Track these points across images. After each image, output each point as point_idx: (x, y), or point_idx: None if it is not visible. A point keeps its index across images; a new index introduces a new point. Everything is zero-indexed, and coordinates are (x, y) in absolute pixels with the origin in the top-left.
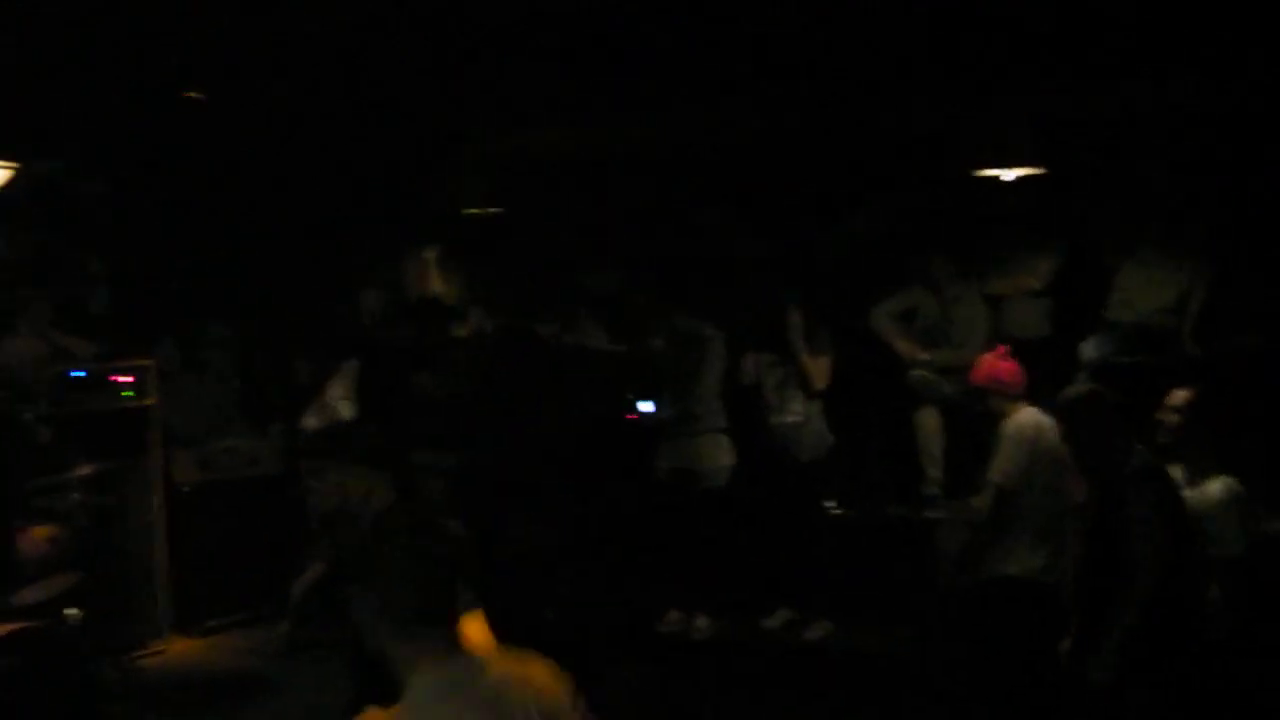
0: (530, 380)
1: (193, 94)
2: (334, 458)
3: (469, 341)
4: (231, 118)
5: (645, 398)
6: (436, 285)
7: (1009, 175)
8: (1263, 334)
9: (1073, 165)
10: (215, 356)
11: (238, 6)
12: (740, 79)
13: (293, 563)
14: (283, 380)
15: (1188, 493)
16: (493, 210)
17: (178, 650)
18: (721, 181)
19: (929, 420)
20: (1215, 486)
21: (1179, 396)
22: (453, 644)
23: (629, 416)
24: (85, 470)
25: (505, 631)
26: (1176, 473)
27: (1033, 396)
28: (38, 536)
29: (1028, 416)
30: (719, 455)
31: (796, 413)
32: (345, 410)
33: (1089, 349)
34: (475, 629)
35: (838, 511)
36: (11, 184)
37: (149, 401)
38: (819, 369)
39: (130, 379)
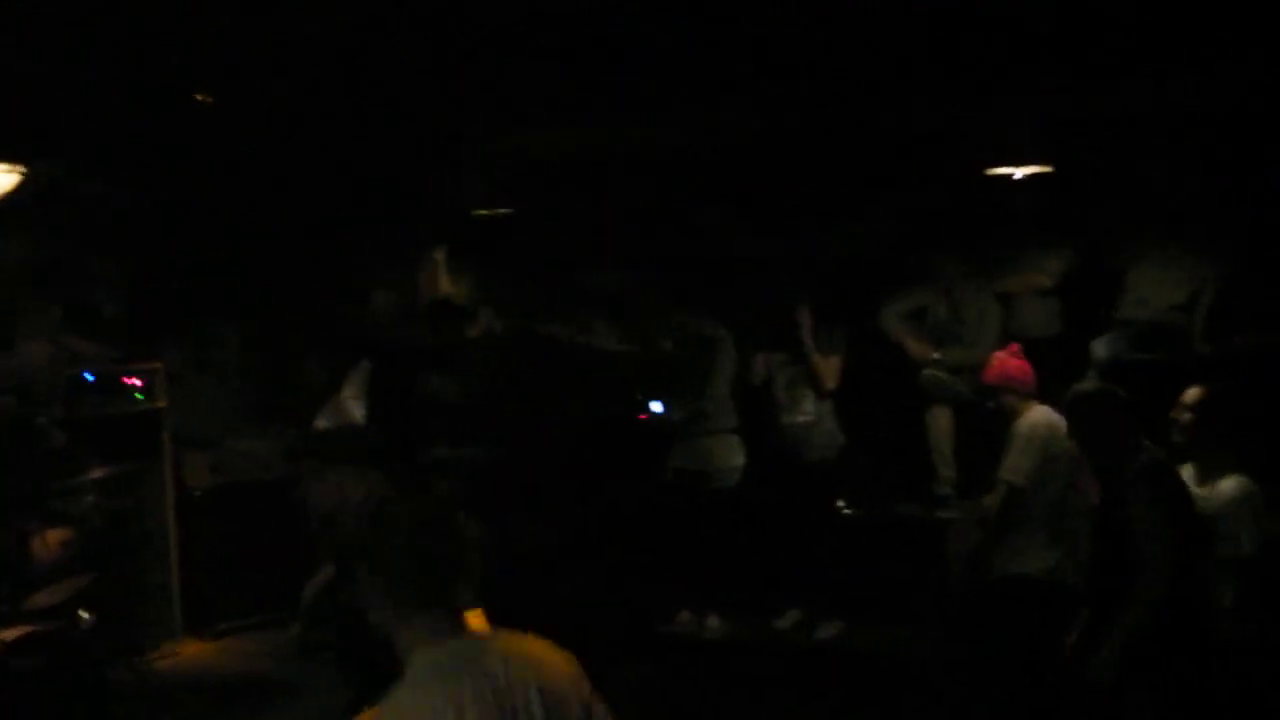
0: (539, 381)
1: (201, 96)
2: (333, 458)
3: (478, 342)
4: (239, 120)
5: (656, 398)
6: (445, 286)
7: (1019, 174)
8: (1274, 332)
9: (1083, 163)
10: (224, 359)
11: (243, 7)
12: (748, 79)
13: (304, 565)
14: (292, 382)
15: (1201, 491)
16: (501, 211)
17: (190, 653)
18: (731, 182)
19: (940, 419)
20: (1228, 485)
21: (1191, 395)
22: (454, 626)
23: (640, 417)
24: (98, 473)
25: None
26: (1190, 471)
27: (1044, 395)
28: (51, 540)
29: (1040, 415)
30: (730, 455)
31: (807, 412)
32: (356, 411)
33: (1100, 347)
34: (477, 625)
35: (848, 511)
36: (20, 188)
37: (160, 404)
38: (829, 369)
39: (141, 382)
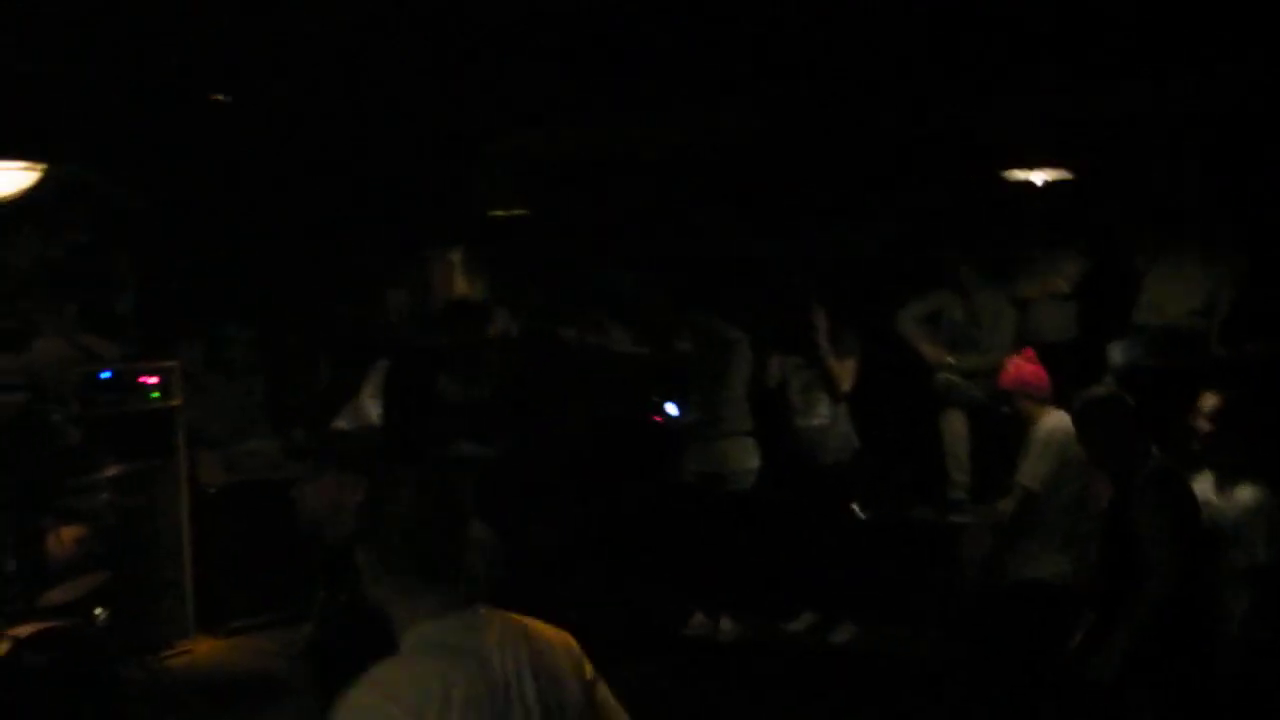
0: (553, 382)
1: (219, 96)
2: (330, 459)
3: (494, 343)
4: (257, 120)
5: (671, 400)
6: (461, 287)
7: (1037, 178)
8: None
9: (1100, 168)
10: (240, 358)
11: (263, 9)
12: (765, 81)
13: (317, 564)
14: (307, 382)
15: (1218, 500)
16: (517, 212)
17: (203, 651)
18: (747, 184)
19: (955, 424)
20: (1245, 494)
21: (1209, 402)
22: (451, 603)
23: (654, 419)
24: (112, 471)
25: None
26: (1208, 479)
27: (1060, 400)
28: (66, 537)
29: (1057, 420)
30: (745, 458)
31: (822, 415)
32: (374, 411)
33: (1116, 353)
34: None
35: (863, 515)
36: (37, 186)
37: (175, 403)
38: (844, 372)
39: (156, 380)
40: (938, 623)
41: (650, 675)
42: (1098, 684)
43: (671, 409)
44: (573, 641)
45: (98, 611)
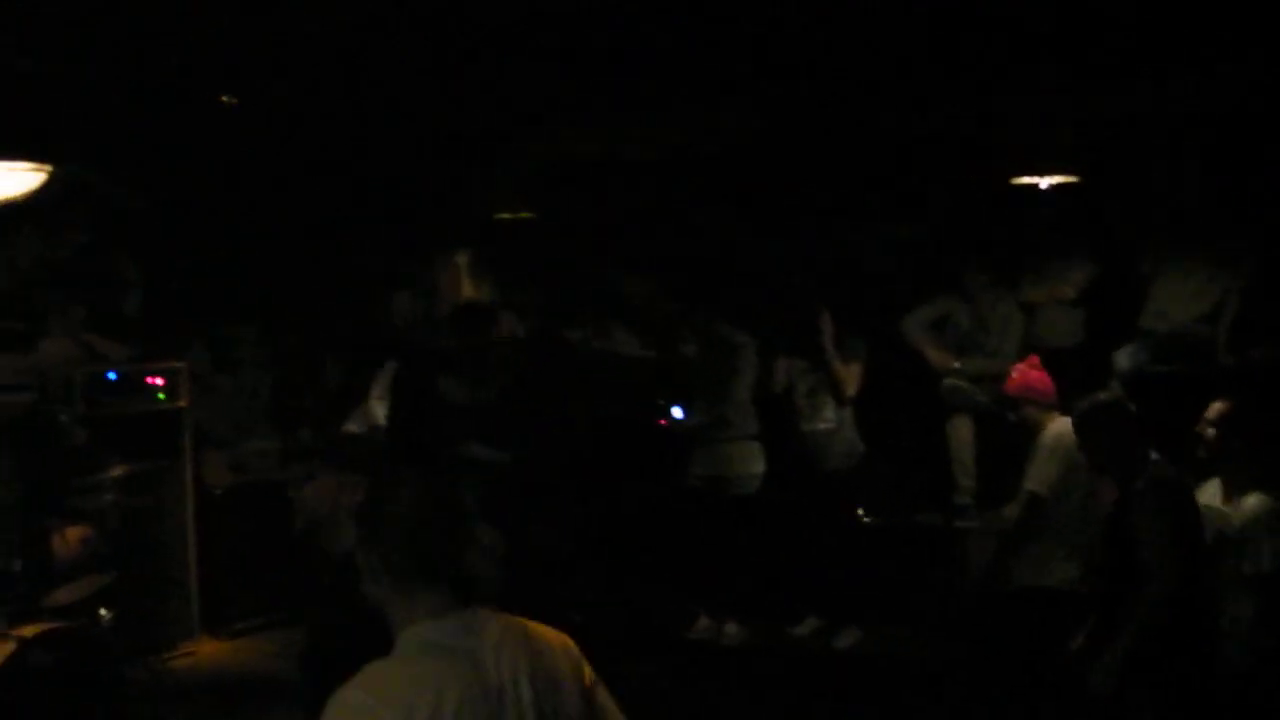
0: (558, 385)
1: (226, 98)
2: (330, 459)
3: (500, 345)
4: (262, 121)
5: (677, 403)
6: (467, 290)
7: (1044, 183)
8: None
9: (1108, 173)
10: (246, 359)
11: (271, 12)
12: (766, 83)
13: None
14: (313, 384)
15: (1225, 507)
16: (523, 214)
17: (207, 651)
18: (753, 188)
19: (961, 429)
20: (1251, 502)
21: (1216, 409)
22: (450, 604)
23: (659, 422)
24: (119, 471)
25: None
26: (1216, 487)
27: (1066, 406)
28: (71, 537)
29: (1064, 426)
30: (750, 462)
31: (828, 420)
32: (381, 413)
33: (1123, 358)
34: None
35: (868, 519)
36: (44, 187)
37: (181, 404)
38: (850, 376)
39: (163, 381)
40: (942, 628)
41: (654, 678)
42: (1098, 691)
43: (677, 412)
44: (573, 645)
45: (102, 612)
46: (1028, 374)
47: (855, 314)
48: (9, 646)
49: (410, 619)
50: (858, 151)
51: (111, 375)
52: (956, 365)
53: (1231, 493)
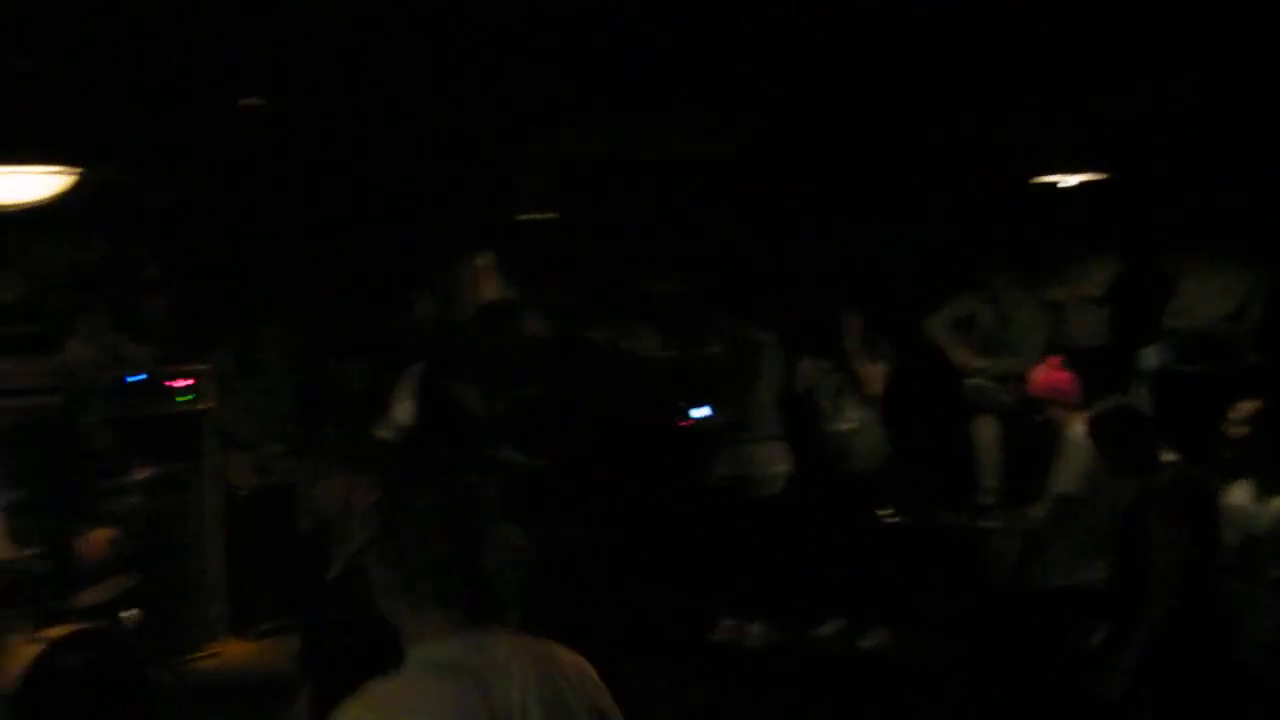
0: (582, 386)
1: (251, 101)
2: (344, 459)
3: (524, 346)
4: (288, 125)
5: (701, 404)
6: (491, 291)
7: (1068, 181)
8: None
9: (1132, 171)
10: (271, 361)
11: (297, 14)
12: (797, 87)
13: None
14: (338, 385)
15: (1254, 508)
16: (547, 215)
17: (232, 653)
18: (778, 188)
19: (985, 429)
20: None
21: (1245, 408)
22: (463, 622)
23: (682, 423)
24: (144, 474)
25: (549, 637)
26: (1245, 488)
27: (1091, 405)
28: (97, 539)
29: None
30: (774, 462)
31: (852, 420)
32: (407, 414)
33: (1148, 357)
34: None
35: (892, 520)
36: (71, 190)
37: (206, 406)
38: (874, 376)
39: (187, 383)
40: (967, 628)
41: (677, 680)
42: (1109, 691)
43: (700, 413)
44: (591, 671)
45: (127, 613)
46: (1051, 374)
47: (879, 314)
48: (37, 648)
49: (421, 636)
50: (881, 152)
51: (136, 378)
52: (981, 365)
53: (1260, 493)
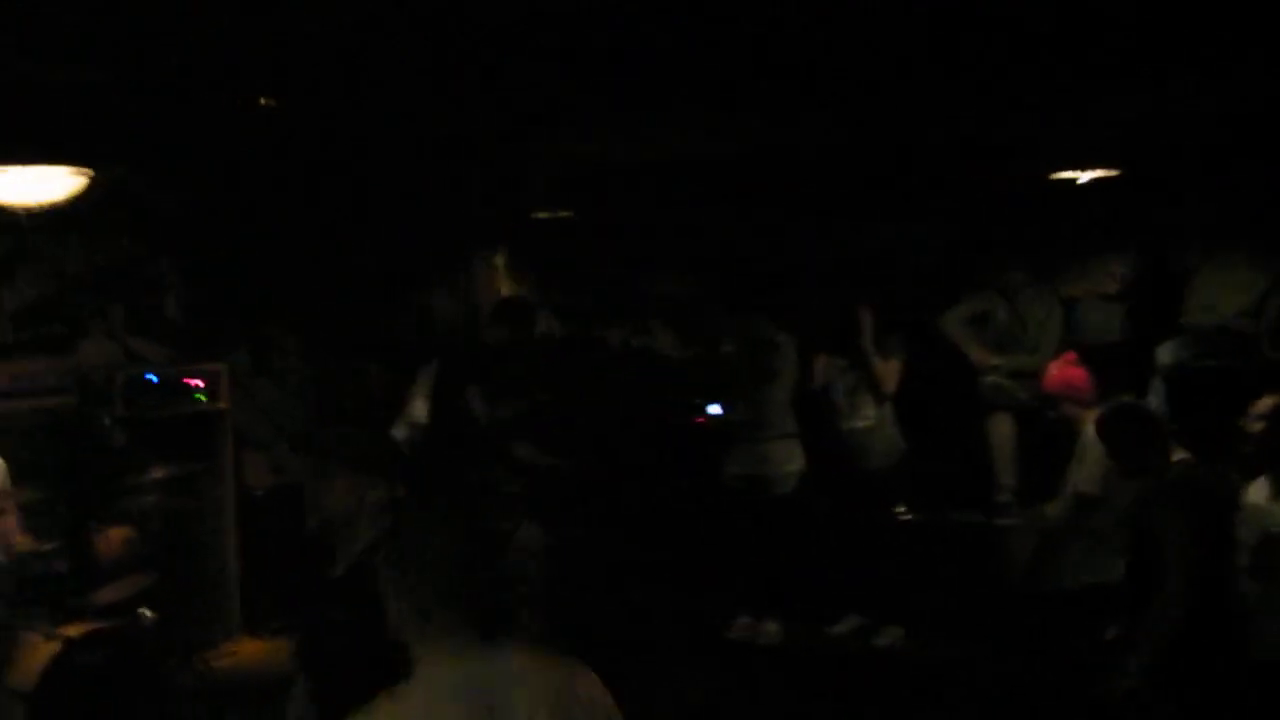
0: (597, 385)
1: (266, 101)
2: (346, 459)
3: (539, 344)
4: (303, 125)
5: (715, 402)
6: (505, 290)
7: (1084, 177)
8: None
9: (1149, 167)
10: (286, 361)
11: (310, 14)
12: (809, 86)
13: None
14: (354, 385)
15: (1271, 506)
16: (561, 214)
17: (248, 651)
18: (792, 186)
19: (1001, 426)
20: None
21: (1264, 404)
22: (475, 644)
23: (697, 421)
24: (159, 473)
25: (566, 636)
26: (1263, 485)
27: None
28: (113, 538)
29: None
30: (789, 460)
31: (868, 417)
32: (423, 414)
33: (1165, 353)
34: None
35: (908, 517)
36: (86, 191)
37: (221, 405)
38: (889, 373)
39: (203, 383)
40: (984, 626)
41: (693, 678)
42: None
43: (715, 411)
44: (603, 692)
45: (144, 612)
46: (1066, 371)
47: (894, 311)
48: (55, 646)
49: (432, 655)
50: (896, 150)
51: (152, 377)
52: (996, 362)
53: (1278, 491)
